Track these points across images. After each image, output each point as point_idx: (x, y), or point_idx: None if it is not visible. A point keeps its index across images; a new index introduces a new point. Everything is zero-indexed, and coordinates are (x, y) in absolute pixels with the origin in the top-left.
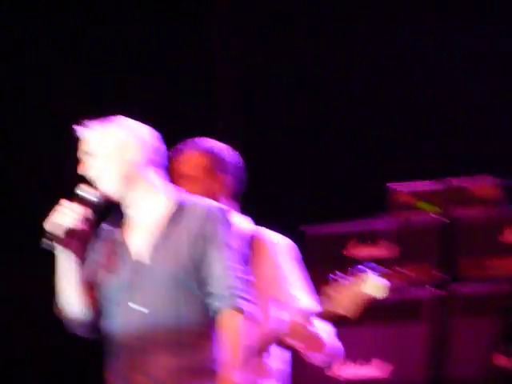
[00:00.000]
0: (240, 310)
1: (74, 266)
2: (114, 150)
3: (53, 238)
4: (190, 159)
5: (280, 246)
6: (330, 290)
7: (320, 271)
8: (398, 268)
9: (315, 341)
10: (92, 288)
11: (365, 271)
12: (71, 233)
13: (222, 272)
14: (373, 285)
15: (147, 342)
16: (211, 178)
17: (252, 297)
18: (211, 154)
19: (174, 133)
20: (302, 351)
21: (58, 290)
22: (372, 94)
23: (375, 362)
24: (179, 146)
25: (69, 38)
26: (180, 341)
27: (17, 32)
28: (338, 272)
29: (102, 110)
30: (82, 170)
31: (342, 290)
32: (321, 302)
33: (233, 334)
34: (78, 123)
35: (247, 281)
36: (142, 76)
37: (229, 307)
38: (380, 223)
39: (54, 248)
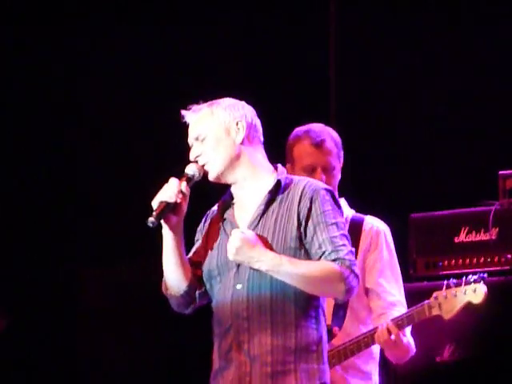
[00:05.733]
0: (350, 268)
1: (173, 242)
2: (221, 132)
3: (155, 214)
4: (331, 150)
5: (378, 232)
6: (439, 295)
7: (427, 257)
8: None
9: (403, 350)
10: (196, 266)
11: (477, 281)
12: (168, 207)
13: (333, 247)
14: (479, 294)
15: (252, 322)
16: (339, 166)
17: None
18: (339, 143)
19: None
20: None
21: (163, 266)
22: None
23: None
24: (316, 136)
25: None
26: (285, 321)
27: None
28: (451, 279)
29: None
30: (192, 155)
31: (451, 296)
32: (428, 305)
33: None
34: (186, 108)
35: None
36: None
37: (340, 260)
38: (490, 210)
39: (156, 225)
